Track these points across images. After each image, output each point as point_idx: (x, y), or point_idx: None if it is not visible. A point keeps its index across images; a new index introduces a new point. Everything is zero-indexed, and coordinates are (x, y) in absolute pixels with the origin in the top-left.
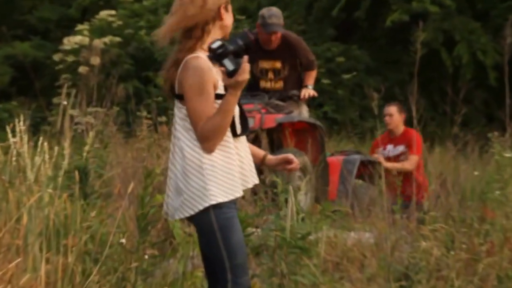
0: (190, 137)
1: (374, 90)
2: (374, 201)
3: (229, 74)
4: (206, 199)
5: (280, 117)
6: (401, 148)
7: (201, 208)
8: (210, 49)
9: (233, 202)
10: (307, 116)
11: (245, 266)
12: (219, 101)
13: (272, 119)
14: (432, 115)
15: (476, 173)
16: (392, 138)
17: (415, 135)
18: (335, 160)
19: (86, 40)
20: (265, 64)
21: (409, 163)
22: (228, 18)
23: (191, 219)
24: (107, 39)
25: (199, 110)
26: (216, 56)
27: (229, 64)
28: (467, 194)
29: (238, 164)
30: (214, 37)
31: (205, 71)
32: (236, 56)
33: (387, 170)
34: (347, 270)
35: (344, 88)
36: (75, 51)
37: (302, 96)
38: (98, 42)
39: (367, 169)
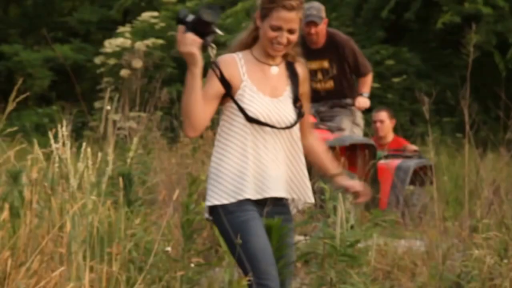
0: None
1: (425, 94)
2: (426, 208)
3: None
4: (207, 202)
5: (331, 139)
6: (410, 146)
7: (206, 209)
8: None
9: (249, 204)
10: (361, 124)
11: (268, 271)
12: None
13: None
14: (485, 120)
15: None
16: (381, 144)
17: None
18: (386, 168)
19: (128, 43)
20: (313, 65)
21: None
22: (263, 29)
23: None
24: (149, 42)
25: None
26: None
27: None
28: None
29: (253, 168)
30: (259, 45)
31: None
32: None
33: None
34: (398, 278)
35: (394, 92)
36: (116, 54)
37: (357, 106)
38: (141, 45)
39: (418, 174)
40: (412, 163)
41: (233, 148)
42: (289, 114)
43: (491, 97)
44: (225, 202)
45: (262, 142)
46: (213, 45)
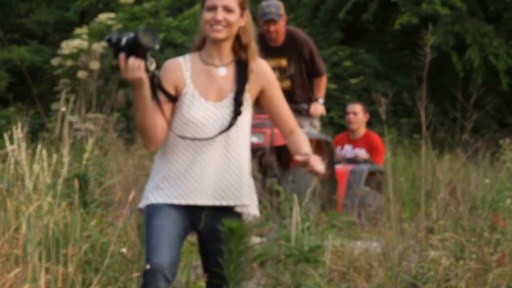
0: None
1: (382, 95)
2: (381, 210)
3: None
4: (140, 203)
5: None
6: (361, 152)
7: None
8: None
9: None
10: (318, 126)
11: (157, 247)
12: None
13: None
14: (442, 121)
15: (487, 181)
16: (352, 139)
17: (379, 141)
18: (342, 170)
19: (85, 44)
20: (271, 63)
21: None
22: (201, 18)
23: None
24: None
25: None
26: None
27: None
28: (478, 202)
29: (176, 174)
30: (207, 45)
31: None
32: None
33: None
34: (354, 280)
35: (351, 93)
36: (73, 56)
37: (311, 113)
38: (97, 46)
39: (374, 178)
40: (365, 167)
41: (161, 152)
42: (231, 118)
43: (449, 98)
44: (142, 206)
45: (193, 149)
46: (153, 60)
